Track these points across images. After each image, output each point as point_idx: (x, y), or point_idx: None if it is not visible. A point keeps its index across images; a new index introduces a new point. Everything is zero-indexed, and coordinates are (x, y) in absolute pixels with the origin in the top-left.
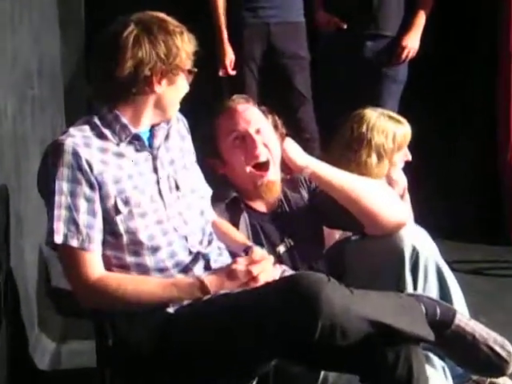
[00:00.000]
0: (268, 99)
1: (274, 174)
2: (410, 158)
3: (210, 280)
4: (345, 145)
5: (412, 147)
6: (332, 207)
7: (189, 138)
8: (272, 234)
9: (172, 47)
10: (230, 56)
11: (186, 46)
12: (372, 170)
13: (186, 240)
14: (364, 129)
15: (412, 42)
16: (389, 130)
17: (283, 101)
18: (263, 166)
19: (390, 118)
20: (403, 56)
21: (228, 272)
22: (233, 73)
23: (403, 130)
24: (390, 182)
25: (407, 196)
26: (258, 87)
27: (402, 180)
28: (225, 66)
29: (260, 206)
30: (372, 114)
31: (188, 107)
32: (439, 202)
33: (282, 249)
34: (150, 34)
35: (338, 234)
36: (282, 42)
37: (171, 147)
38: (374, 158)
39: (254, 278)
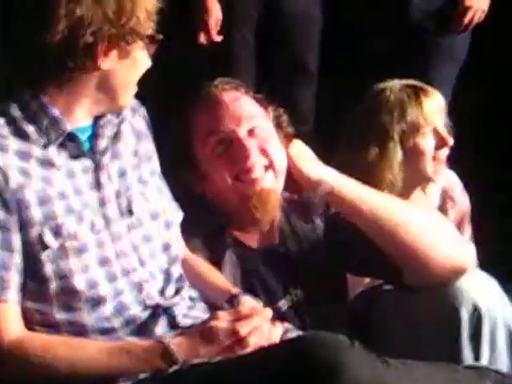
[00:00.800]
0: (267, 81)
1: (272, 182)
2: (450, 142)
3: (177, 343)
4: (353, 141)
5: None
6: (358, 243)
7: (150, 137)
8: (271, 282)
9: (125, 2)
10: (215, 15)
11: (145, 1)
12: (376, 171)
13: (141, 289)
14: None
15: (478, 1)
16: (393, 102)
17: (278, 79)
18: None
19: (412, 87)
20: (466, 20)
21: (204, 331)
22: (218, 39)
23: (422, 102)
24: (443, 203)
25: (467, 225)
26: (254, 63)
27: (460, 201)
28: (207, 29)
29: (254, 241)
30: (385, 86)
31: (150, 93)
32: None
33: (285, 303)
34: None
35: (365, 281)
36: None
37: (122, 152)
38: (372, 151)
39: (242, 341)
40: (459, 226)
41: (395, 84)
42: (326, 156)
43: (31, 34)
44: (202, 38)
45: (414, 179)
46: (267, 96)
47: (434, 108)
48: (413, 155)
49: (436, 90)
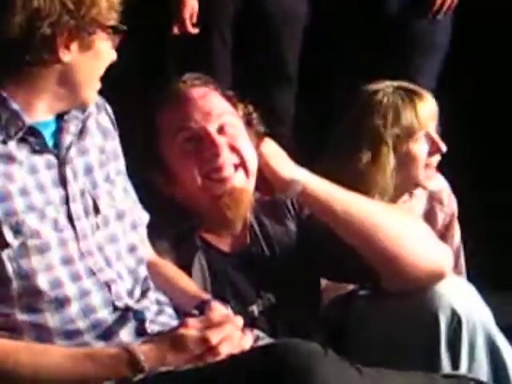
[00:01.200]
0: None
1: (244, 181)
2: (443, 148)
3: (144, 351)
4: (344, 144)
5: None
6: (333, 247)
7: (115, 135)
8: (242, 286)
9: None
10: (191, 5)
11: None
12: (368, 177)
13: (109, 289)
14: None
15: None
16: (387, 105)
17: (257, 79)
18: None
19: (405, 90)
20: (437, 2)
21: (173, 339)
22: (194, 31)
23: (416, 105)
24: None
25: (455, 228)
26: (231, 61)
27: (448, 203)
28: (182, 21)
29: (225, 244)
30: (377, 87)
31: (116, 90)
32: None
33: (256, 308)
34: None
35: (342, 287)
36: None
37: (88, 148)
38: (365, 156)
39: (212, 349)
40: (447, 228)
41: (387, 86)
42: (305, 158)
43: None
44: (176, 29)
45: (405, 185)
46: (241, 94)
47: (427, 112)
48: (405, 161)
49: (428, 93)
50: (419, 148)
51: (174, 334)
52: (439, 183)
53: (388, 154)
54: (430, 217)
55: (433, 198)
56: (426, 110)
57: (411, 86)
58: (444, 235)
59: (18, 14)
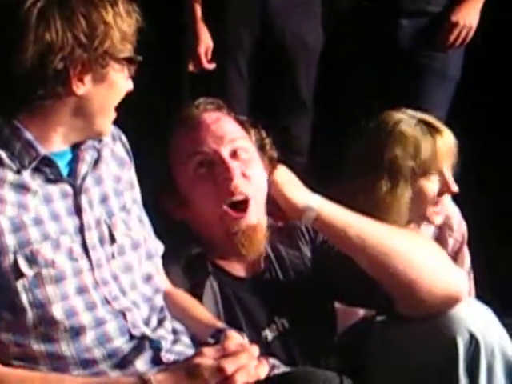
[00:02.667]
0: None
1: (257, 217)
2: (454, 189)
3: (159, 380)
4: (364, 170)
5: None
6: (348, 272)
7: (131, 165)
8: (256, 311)
9: (97, 24)
10: (205, 42)
11: (120, 22)
12: (385, 206)
13: (125, 318)
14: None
15: (466, 18)
16: (409, 138)
17: (272, 108)
18: (240, 205)
19: (426, 124)
20: (452, 36)
21: (188, 368)
22: (209, 67)
23: (436, 142)
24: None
25: (465, 253)
26: (247, 91)
27: (458, 228)
28: (197, 57)
29: (237, 268)
30: (400, 117)
31: (131, 119)
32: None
33: (270, 334)
34: (63, 5)
35: (359, 312)
36: (286, 20)
37: (103, 177)
38: (384, 186)
39: (228, 379)
40: (457, 253)
41: (410, 116)
42: (321, 186)
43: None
44: (192, 67)
45: (412, 218)
46: (257, 122)
47: (445, 150)
48: (415, 196)
49: (448, 130)
50: (431, 186)
51: (190, 364)
52: (448, 207)
53: (405, 188)
54: (439, 242)
55: (443, 224)
56: (445, 148)
57: (432, 119)
58: (454, 260)
59: (30, 48)
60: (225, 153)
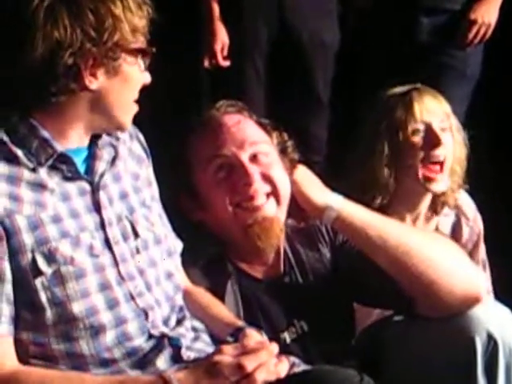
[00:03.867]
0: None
1: (275, 210)
2: (443, 141)
3: (179, 378)
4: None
5: None
6: (368, 273)
7: (148, 162)
8: (275, 313)
9: (106, 18)
10: (221, 38)
11: (130, 14)
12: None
13: (146, 316)
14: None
15: (485, 16)
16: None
17: (290, 107)
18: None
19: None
20: (471, 34)
21: (208, 366)
22: (225, 64)
23: (412, 100)
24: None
25: (482, 251)
26: (264, 90)
27: (474, 221)
28: (213, 54)
29: (257, 270)
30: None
31: (148, 118)
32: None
33: (289, 336)
34: (70, 1)
35: (374, 312)
36: (303, 18)
37: (122, 174)
38: (383, 169)
39: (248, 376)
40: (474, 247)
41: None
42: (338, 185)
43: (10, 60)
44: (207, 63)
45: (407, 182)
46: (275, 122)
47: (423, 106)
48: (401, 151)
49: (436, 93)
50: (415, 138)
51: (210, 361)
52: (464, 199)
53: (382, 144)
54: (456, 230)
55: (459, 211)
56: (422, 104)
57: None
58: (471, 253)
59: (39, 46)
60: (244, 157)
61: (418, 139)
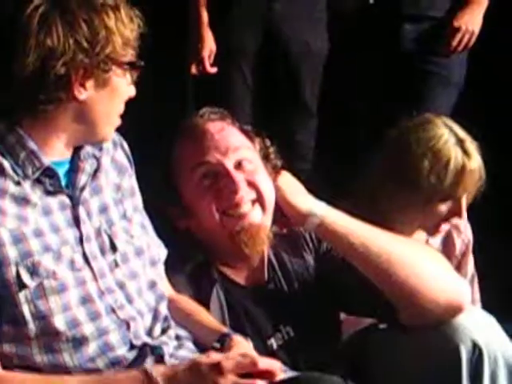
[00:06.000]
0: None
1: (261, 216)
2: (463, 218)
3: (159, 371)
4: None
5: None
6: (351, 281)
7: (131, 171)
8: (260, 319)
9: (99, 29)
10: (209, 45)
11: (122, 27)
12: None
13: (128, 328)
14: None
15: (469, 23)
16: (443, 158)
17: (277, 114)
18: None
19: (462, 146)
20: (454, 41)
21: (188, 364)
22: (212, 70)
23: (465, 170)
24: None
25: (471, 261)
26: (250, 97)
27: (464, 231)
28: (201, 60)
29: (242, 277)
30: (442, 132)
31: (133, 125)
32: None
33: (275, 342)
34: (64, 11)
35: (362, 320)
36: (290, 26)
37: (103, 186)
38: (399, 195)
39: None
40: (463, 256)
41: (449, 134)
42: (326, 192)
43: (1, 66)
44: (194, 69)
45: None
46: (261, 128)
47: (472, 180)
48: (425, 214)
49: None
50: (443, 209)
51: (191, 360)
52: None
53: (419, 203)
54: (448, 243)
55: (451, 224)
56: (471, 179)
57: (468, 139)
58: (460, 263)
59: (31, 53)
60: (229, 164)
61: (445, 210)
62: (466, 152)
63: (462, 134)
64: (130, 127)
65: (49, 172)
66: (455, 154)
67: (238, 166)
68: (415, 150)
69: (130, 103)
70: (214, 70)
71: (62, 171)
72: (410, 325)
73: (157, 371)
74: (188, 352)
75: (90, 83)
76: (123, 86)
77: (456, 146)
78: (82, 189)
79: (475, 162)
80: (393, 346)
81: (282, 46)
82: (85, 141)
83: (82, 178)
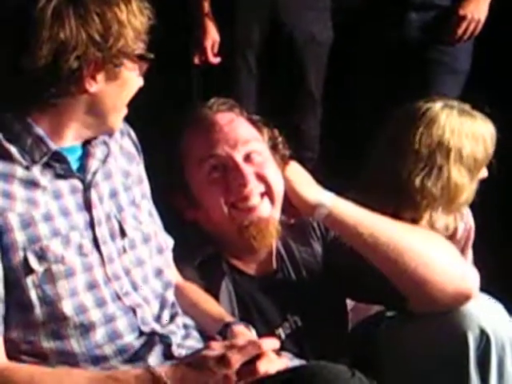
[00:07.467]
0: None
1: (269, 210)
2: (485, 173)
3: (166, 371)
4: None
5: None
6: (360, 269)
7: (139, 159)
8: (269, 309)
9: (112, 23)
10: (212, 36)
11: (134, 20)
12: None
13: (135, 314)
14: (440, 131)
15: (474, 11)
16: (477, 132)
17: (282, 104)
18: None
19: (463, 112)
20: (460, 30)
21: (194, 360)
22: (215, 61)
23: (488, 129)
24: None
25: (471, 245)
26: (256, 86)
27: (466, 216)
28: (204, 50)
29: (250, 267)
30: (439, 108)
31: (140, 115)
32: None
33: (283, 331)
34: (77, 3)
35: (370, 308)
36: (295, 15)
37: (112, 172)
38: (465, 179)
39: (231, 368)
40: (465, 243)
41: (449, 107)
42: (333, 181)
43: (13, 59)
44: (197, 60)
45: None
46: (268, 120)
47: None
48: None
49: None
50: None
51: (196, 356)
52: None
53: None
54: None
55: None
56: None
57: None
58: (463, 249)
59: (44, 46)
60: (239, 157)
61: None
62: (465, 113)
63: (460, 105)
64: (137, 116)
65: (58, 156)
66: (447, 116)
67: (247, 158)
68: (413, 123)
69: (137, 93)
70: (216, 60)
71: (73, 157)
72: (418, 312)
73: (163, 370)
74: (195, 342)
75: (100, 76)
76: (133, 78)
77: (452, 110)
78: (94, 173)
79: (481, 119)
80: (400, 334)
81: (287, 35)
82: (94, 132)
83: (94, 163)
